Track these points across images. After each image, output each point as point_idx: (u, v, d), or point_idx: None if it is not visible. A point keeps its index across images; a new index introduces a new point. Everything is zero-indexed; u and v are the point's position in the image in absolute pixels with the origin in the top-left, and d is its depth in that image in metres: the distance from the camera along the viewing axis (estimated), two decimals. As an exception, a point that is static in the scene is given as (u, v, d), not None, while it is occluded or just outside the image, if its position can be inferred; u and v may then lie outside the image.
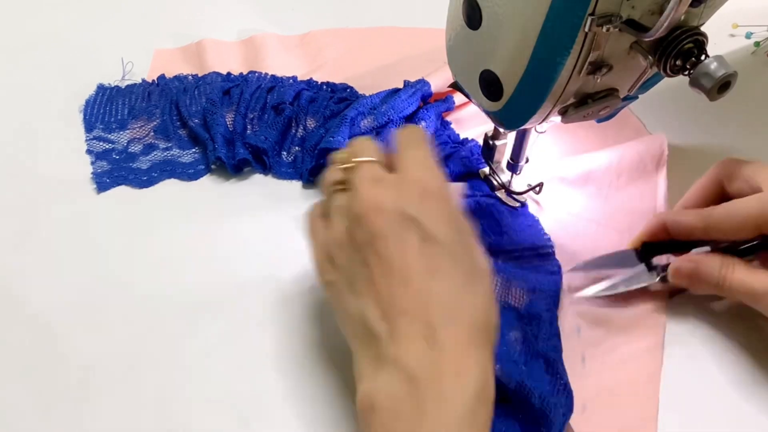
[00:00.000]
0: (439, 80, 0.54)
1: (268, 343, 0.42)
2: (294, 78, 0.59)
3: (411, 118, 0.52)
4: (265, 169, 0.53)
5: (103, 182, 0.51)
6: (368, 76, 0.60)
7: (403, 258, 0.33)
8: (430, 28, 0.64)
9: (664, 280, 0.43)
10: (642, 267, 0.43)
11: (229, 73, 0.59)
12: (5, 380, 0.40)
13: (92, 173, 0.52)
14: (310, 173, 0.52)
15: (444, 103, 0.54)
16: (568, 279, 0.45)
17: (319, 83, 0.58)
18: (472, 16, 0.37)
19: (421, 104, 0.53)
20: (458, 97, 0.55)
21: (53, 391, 0.40)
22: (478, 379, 0.31)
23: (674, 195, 0.48)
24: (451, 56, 0.43)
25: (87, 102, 0.57)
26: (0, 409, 0.39)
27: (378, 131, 0.51)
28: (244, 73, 0.59)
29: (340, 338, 0.42)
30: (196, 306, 0.44)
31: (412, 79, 0.54)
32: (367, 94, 0.55)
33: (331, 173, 0.38)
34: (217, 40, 0.63)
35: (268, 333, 0.43)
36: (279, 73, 0.59)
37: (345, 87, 0.58)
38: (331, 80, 0.59)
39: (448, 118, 0.55)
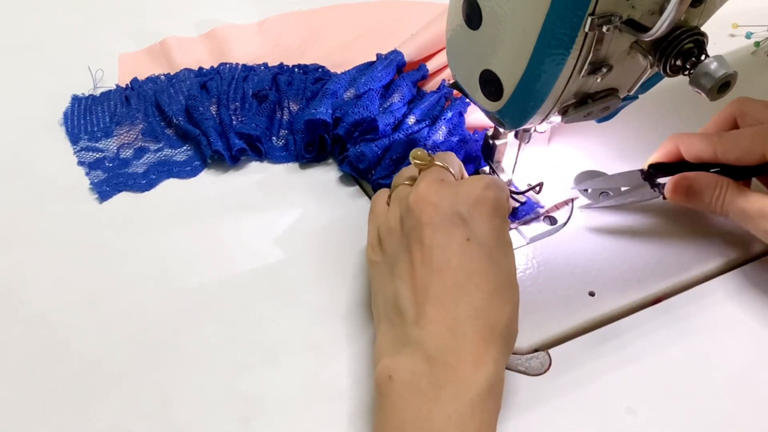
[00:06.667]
0: (410, 50, 0.57)
1: (269, 343, 0.42)
2: (265, 65, 0.60)
3: (388, 87, 0.55)
4: (261, 156, 0.54)
5: (104, 191, 0.51)
6: (335, 55, 0.62)
7: (444, 250, 0.35)
8: (379, 1, 0.68)
9: (665, 198, 0.46)
10: (646, 185, 0.47)
11: (200, 68, 0.60)
12: (6, 380, 0.40)
13: (90, 184, 0.51)
14: (305, 150, 0.53)
15: (418, 71, 0.57)
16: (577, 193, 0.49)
17: (291, 66, 0.60)
18: (472, 16, 0.37)
19: (396, 75, 0.56)
20: (431, 65, 0.58)
21: (53, 391, 0.40)
22: (492, 373, 0.33)
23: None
24: (450, 56, 0.43)
25: (65, 114, 0.57)
26: (0, 408, 0.39)
27: (359, 97, 0.53)
28: (215, 66, 0.60)
29: (340, 338, 0.42)
30: (197, 305, 0.44)
31: (378, 51, 0.57)
32: (338, 72, 0.57)
33: (406, 170, 0.42)
34: (179, 37, 0.64)
35: (268, 332, 0.43)
36: (248, 62, 0.61)
37: (317, 67, 0.60)
38: (299, 63, 0.60)
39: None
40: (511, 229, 0.48)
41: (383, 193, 0.43)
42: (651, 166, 0.47)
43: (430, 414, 0.32)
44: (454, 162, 0.42)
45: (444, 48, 0.57)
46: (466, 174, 0.44)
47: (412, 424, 0.32)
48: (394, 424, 0.33)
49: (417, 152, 0.40)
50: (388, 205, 0.41)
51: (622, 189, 0.48)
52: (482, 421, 0.32)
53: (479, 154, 0.51)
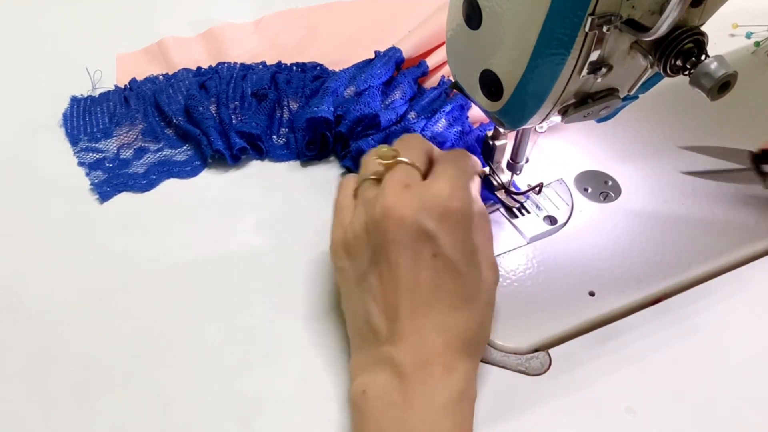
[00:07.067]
0: (409, 46, 0.57)
1: (269, 343, 0.42)
2: (263, 63, 0.60)
3: (389, 84, 0.55)
4: (262, 155, 0.54)
5: (104, 191, 0.51)
6: (332, 53, 0.62)
7: (411, 267, 0.35)
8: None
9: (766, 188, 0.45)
10: (751, 170, 0.46)
11: (199, 68, 0.60)
12: (6, 380, 0.40)
13: (91, 184, 0.51)
14: (306, 148, 0.53)
15: (418, 68, 0.57)
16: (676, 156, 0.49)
17: (289, 65, 0.60)
18: (472, 16, 0.37)
19: (396, 72, 0.56)
20: (430, 61, 0.57)
21: (53, 391, 0.40)
22: (462, 378, 0.35)
23: (677, 193, 0.48)
24: (450, 56, 0.43)
25: (64, 116, 0.56)
26: (0, 408, 0.39)
27: (359, 95, 0.53)
28: (213, 65, 0.60)
29: (340, 338, 0.42)
30: (197, 305, 0.44)
31: (376, 48, 0.57)
32: (336, 70, 0.57)
33: (372, 163, 0.40)
34: (176, 37, 0.64)
35: (268, 332, 0.43)
36: (245, 61, 0.61)
37: (315, 65, 0.60)
38: (297, 61, 0.60)
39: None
40: (492, 211, 0.48)
41: (350, 183, 0.42)
42: (764, 151, 0.46)
43: (404, 421, 0.33)
44: (419, 147, 0.40)
45: (443, 43, 0.57)
46: (437, 151, 0.41)
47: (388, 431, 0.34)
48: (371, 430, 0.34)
49: (381, 150, 0.39)
50: (355, 197, 0.40)
51: (725, 167, 0.47)
52: (455, 424, 0.34)
53: (477, 147, 0.51)
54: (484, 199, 0.49)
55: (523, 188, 0.49)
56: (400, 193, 0.36)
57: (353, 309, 0.38)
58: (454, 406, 0.34)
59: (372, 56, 0.57)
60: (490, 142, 0.48)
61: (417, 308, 0.35)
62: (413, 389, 0.34)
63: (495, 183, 0.49)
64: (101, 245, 0.48)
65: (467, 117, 0.53)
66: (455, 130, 0.51)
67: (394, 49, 0.56)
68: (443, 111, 0.52)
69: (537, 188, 0.49)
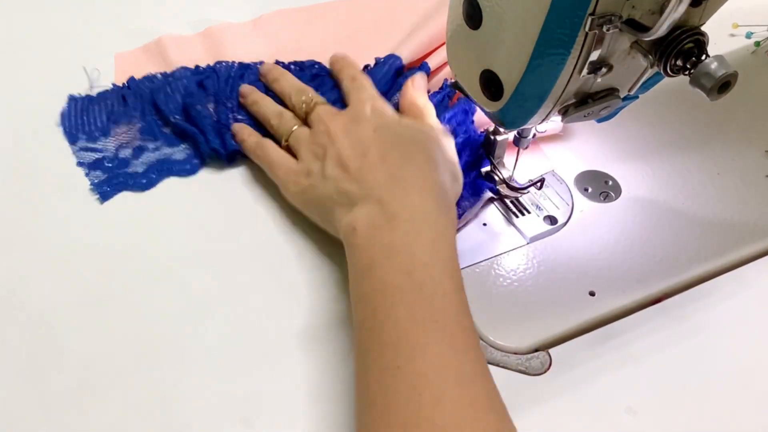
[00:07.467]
0: (408, 51, 0.56)
1: (269, 343, 0.42)
2: (261, 62, 0.60)
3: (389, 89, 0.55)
4: None
5: (104, 191, 0.51)
6: (331, 51, 0.61)
7: (361, 142, 0.43)
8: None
9: None
10: None
11: (197, 66, 0.60)
12: (6, 380, 0.40)
13: (90, 184, 0.51)
14: None
15: (420, 70, 0.56)
16: None
17: (287, 63, 0.60)
18: (473, 16, 0.37)
19: (398, 75, 0.56)
20: (431, 62, 0.57)
21: (53, 391, 0.40)
22: (437, 193, 0.41)
23: (677, 193, 0.48)
24: (451, 55, 0.43)
25: (62, 115, 0.56)
26: (0, 408, 0.39)
27: None
28: (211, 64, 0.60)
29: (340, 337, 0.42)
30: (197, 305, 0.44)
31: (375, 50, 0.56)
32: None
33: (287, 119, 0.50)
34: (175, 35, 0.64)
35: (268, 332, 0.43)
36: (244, 60, 0.60)
37: (313, 63, 0.59)
38: (295, 60, 0.60)
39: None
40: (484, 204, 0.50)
41: (269, 147, 0.49)
42: None
43: (391, 241, 0.38)
44: (295, 84, 0.52)
45: (443, 44, 0.57)
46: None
47: (379, 255, 0.38)
48: (364, 261, 0.38)
49: (300, 98, 0.50)
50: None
51: None
52: (437, 231, 0.39)
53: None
54: (481, 189, 0.49)
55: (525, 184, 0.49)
56: (335, 117, 0.47)
57: (327, 195, 0.43)
58: (433, 217, 0.39)
59: (371, 56, 0.56)
60: (491, 137, 0.48)
61: (376, 160, 0.42)
62: (393, 208, 0.39)
63: (496, 178, 0.49)
64: (101, 245, 0.48)
65: (473, 122, 0.52)
66: (460, 139, 0.51)
67: (393, 57, 0.55)
68: (444, 117, 0.51)
69: (538, 183, 0.48)
